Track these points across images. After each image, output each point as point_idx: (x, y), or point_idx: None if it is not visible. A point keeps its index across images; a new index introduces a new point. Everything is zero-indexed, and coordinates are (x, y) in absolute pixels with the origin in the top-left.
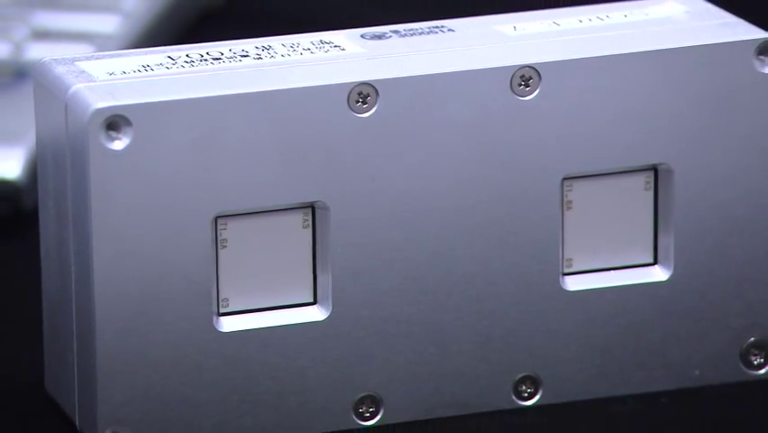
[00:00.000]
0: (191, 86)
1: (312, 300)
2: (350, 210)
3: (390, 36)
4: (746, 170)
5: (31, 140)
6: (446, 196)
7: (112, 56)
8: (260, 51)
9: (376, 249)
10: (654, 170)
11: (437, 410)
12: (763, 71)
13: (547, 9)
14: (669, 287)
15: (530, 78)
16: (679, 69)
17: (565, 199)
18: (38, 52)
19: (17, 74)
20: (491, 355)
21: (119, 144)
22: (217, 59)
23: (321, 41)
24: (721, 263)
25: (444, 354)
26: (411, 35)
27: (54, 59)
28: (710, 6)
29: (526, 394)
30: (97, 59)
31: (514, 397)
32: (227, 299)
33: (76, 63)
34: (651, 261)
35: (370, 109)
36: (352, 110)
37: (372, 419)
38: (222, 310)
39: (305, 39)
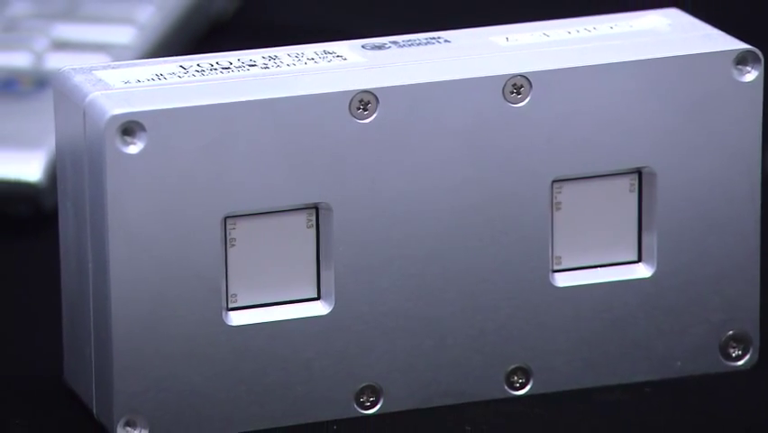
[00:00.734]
0: (202, 93)
1: (316, 296)
2: (351, 211)
3: (390, 47)
4: (725, 173)
5: (50, 144)
6: (443, 197)
7: (127, 65)
8: (266, 61)
9: (376, 247)
10: (638, 173)
11: (434, 400)
12: (740, 80)
13: (538, 21)
14: (652, 283)
15: (521, 86)
16: (662, 78)
17: (555, 200)
18: (57, 62)
19: (38, 82)
20: (485, 348)
21: (134, 149)
22: (226, 68)
23: (324, 51)
24: (701, 261)
25: (441, 346)
26: (409, 46)
27: (73, 69)
28: (692, 19)
29: (518, 384)
30: (113, 68)
31: (506, 387)
32: (236, 295)
33: (93, 72)
34: (635, 259)
35: (371, 115)
36: (354, 116)
37: (373, 407)
38: (231, 305)
39: (309, 49)
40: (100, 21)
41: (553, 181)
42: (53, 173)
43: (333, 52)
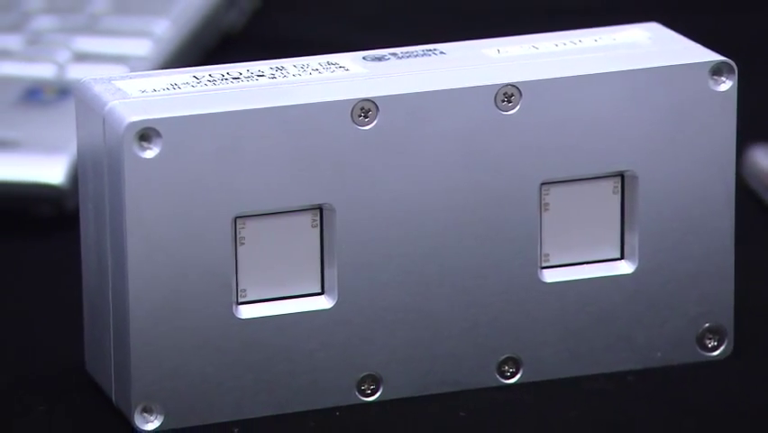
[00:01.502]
0: (214, 101)
1: (320, 291)
2: (353, 212)
3: (389, 58)
4: (702, 176)
5: (72, 149)
6: (438, 199)
7: (144, 76)
8: (274, 71)
9: (376, 246)
10: (621, 176)
11: (430, 388)
12: (716, 90)
13: (527, 35)
14: (634, 279)
15: (512, 95)
16: (643, 88)
17: (543, 202)
18: (79, 73)
19: (61, 92)
20: (478, 339)
21: (150, 153)
22: (236, 78)
23: (328, 62)
24: (680, 258)
25: (437, 338)
26: (407, 57)
27: (93, 79)
28: (671, 32)
29: (509, 373)
30: (131, 78)
31: (498, 376)
32: (245, 290)
33: (112, 82)
34: (618, 256)
35: (371, 122)
36: (355, 123)
37: (373, 395)
38: (240, 300)
39: (313, 60)
40: (118, 34)
41: (542, 184)
42: (75, 176)
43: (336, 63)
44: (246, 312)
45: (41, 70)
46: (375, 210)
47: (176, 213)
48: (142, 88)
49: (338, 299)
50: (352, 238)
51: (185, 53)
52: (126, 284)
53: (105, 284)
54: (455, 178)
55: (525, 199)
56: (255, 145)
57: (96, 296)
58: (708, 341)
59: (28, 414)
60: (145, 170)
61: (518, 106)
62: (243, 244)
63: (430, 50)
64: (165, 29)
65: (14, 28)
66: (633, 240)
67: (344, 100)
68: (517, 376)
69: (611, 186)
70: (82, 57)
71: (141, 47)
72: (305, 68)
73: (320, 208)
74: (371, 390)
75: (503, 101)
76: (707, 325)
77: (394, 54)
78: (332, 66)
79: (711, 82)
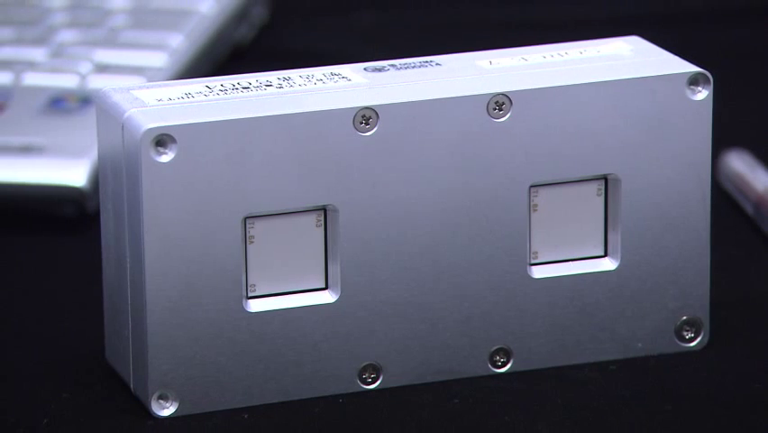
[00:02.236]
0: (225, 109)
1: (324, 286)
2: (355, 212)
3: (388, 69)
4: (680, 179)
5: (94, 154)
6: (434, 200)
7: (160, 86)
8: (281, 81)
9: (376, 244)
10: (605, 179)
11: (427, 376)
12: (693, 99)
13: (517, 47)
14: (616, 275)
15: (503, 103)
16: (625, 97)
17: (532, 203)
18: (99, 83)
19: (83, 101)
20: (471, 331)
21: (166, 158)
22: (246, 87)
23: (331, 73)
24: (659, 256)
25: (433, 330)
26: (405, 68)
27: (113, 89)
28: (651, 45)
29: (500, 363)
30: (148, 88)
31: (490, 365)
32: (254, 285)
33: (130, 91)
34: (602, 253)
35: (372, 129)
36: (357, 130)
37: (374, 383)
38: (250, 294)
39: (318, 71)
40: (136, 47)
41: (531, 186)
42: (96, 179)
43: (339, 74)
44: (255, 306)
45: (65, 81)
46: (375, 211)
47: (190, 213)
48: (159, 97)
49: (341, 293)
50: (353, 237)
51: (198, 65)
52: (144, 280)
53: (124, 279)
54: (450, 180)
55: (516, 201)
56: (263, 150)
57: (115, 290)
58: (685, 333)
59: (52, 400)
60: (161, 174)
61: (509, 114)
62: (253, 242)
63: (427, 61)
64: (180, 42)
65: (40, 41)
66: (615, 239)
67: (347, 108)
68: (508, 366)
69: (595, 188)
70: (102, 68)
71: (157, 59)
72: (310, 78)
73: (324, 209)
74: (372, 378)
75: (494, 109)
76: (684, 317)
77: (393, 65)
78: (335, 76)
79: (688, 92)
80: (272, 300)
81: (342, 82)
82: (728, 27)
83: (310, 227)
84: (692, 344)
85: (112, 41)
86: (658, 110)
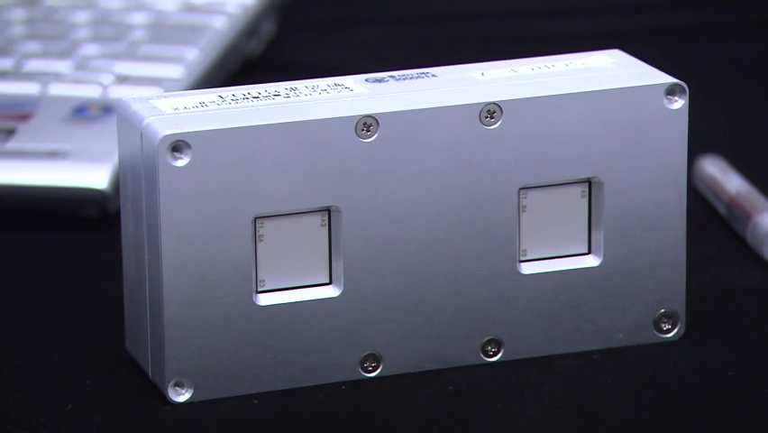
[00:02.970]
0: (236, 117)
1: (328, 281)
2: (357, 213)
3: (388, 80)
4: (658, 182)
5: (114, 159)
6: (430, 202)
7: (176, 95)
8: (288, 91)
9: (377, 242)
10: (589, 182)
11: (424, 365)
12: (670, 108)
13: (507, 60)
14: (599, 271)
15: (494, 111)
16: (607, 105)
17: (521, 204)
18: (120, 93)
19: (104, 109)
20: (464, 323)
21: (181, 162)
22: (256, 97)
23: (335, 83)
24: (639, 253)
25: (429, 322)
26: (404, 79)
27: (132, 98)
28: (631, 58)
29: (491, 353)
30: (165, 97)
31: (482, 355)
32: (263, 281)
33: (149, 101)
34: (586, 251)
35: (373, 135)
36: (359, 136)
37: (374, 372)
38: (259, 289)
39: (322, 82)
40: (154, 60)
41: (520, 189)
42: (116, 182)
43: (342, 84)
44: (264, 300)
45: (88, 91)
46: (376, 211)
47: (204, 213)
48: (175, 106)
49: (344, 288)
50: (355, 236)
51: (211, 76)
52: (161, 275)
53: (143, 275)
54: (445, 183)
55: (506, 202)
56: (272, 155)
57: (134, 285)
58: (663, 324)
59: (76, 387)
60: (177, 177)
61: (500, 122)
62: (262, 240)
63: (423, 73)
64: (194, 56)
65: (65, 55)
66: (598, 237)
67: (349, 116)
68: (499, 355)
69: (580, 190)
70: (123, 79)
71: (173, 71)
72: (315, 88)
73: (328, 210)
74: (373, 367)
75: (486, 117)
76: (662, 310)
77: (392, 76)
78: (338, 87)
79: (666, 101)
80: (280, 295)
81: (345, 92)
82: (703, 42)
83: (315, 227)
84: (669, 335)
85: (132, 55)
86: (638, 118)
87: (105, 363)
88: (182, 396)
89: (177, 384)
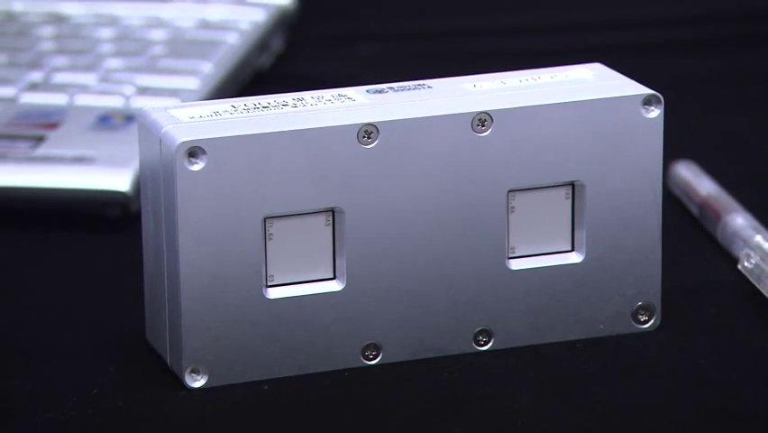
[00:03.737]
0: (248, 125)
1: (332, 277)
2: (359, 214)
3: (387, 91)
4: (636, 185)
5: (135, 164)
6: (426, 203)
7: (192, 105)
8: (295, 102)
9: (377, 241)
10: (572, 185)
11: (420, 354)
12: (647, 117)
13: (497, 72)
14: (582, 267)
15: (485, 120)
16: (589, 115)
17: (510, 205)
18: (141, 103)
19: (127, 118)
20: (458, 315)
21: (197, 167)
22: (266, 107)
23: (338, 94)
24: (618, 250)
25: (425, 314)
26: (402, 90)
27: (152, 108)
28: (611, 71)
29: (483, 342)
30: (182, 107)
31: (474, 344)
32: (273, 276)
33: (167, 110)
34: (569, 248)
35: (373, 142)
36: (360, 143)
37: (375, 360)
38: (269, 283)
39: (327, 93)
40: (172, 73)
41: (509, 191)
42: (137, 185)
43: (345, 95)
44: (273, 293)
45: (112, 101)
46: (376, 212)
47: (217, 214)
48: (191, 115)
49: (346, 283)
50: (358, 234)
51: (225, 88)
52: (178, 271)
53: (162, 271)
54: (440, 186)
55: (495, 203)
56: (281, 160)
57: (154, 280)
58: (640, 316)
59: (100, 374)
60: (193, 180)
61: (490, 130)
62: (271, 239)
63: (420, 84)
64: (209, 69)
65: (90, 68)
66: (581, 236)
67: (351, 124)
68: (490, 344)
69: (564, 193)
70: (143, 91)
71: (190, 83)
72: (320, 98)
73: (332, 211)
74: (373, 355)
75: (478, 125)
76: (639, 303)
77: (391, 88)
78: (341, 97)
79: (643, 110)
80: (288, 289)
81: (348, 102)
82: (678, 56)
83: (320, 226)
84: (646, 325)
85: (151, 68)
86: (617, 126)
87: (126, 351)
88: (198, 382)
89: (193, 371)
